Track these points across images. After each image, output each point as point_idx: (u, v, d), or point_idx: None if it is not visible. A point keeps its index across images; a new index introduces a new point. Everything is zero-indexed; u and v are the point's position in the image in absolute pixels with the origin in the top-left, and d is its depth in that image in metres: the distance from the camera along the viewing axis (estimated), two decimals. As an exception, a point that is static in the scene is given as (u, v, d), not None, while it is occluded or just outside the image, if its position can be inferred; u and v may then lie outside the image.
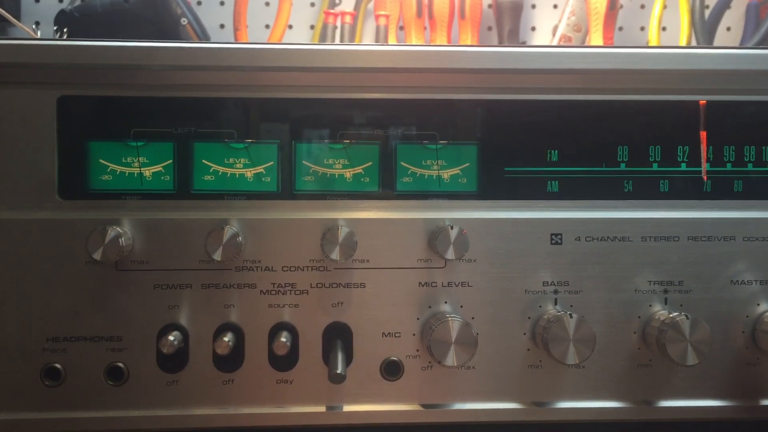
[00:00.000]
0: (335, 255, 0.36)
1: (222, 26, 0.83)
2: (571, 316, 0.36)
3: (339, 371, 0.35)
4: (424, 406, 0.38)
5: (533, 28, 0.85)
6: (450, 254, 0.36)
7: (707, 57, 0.40)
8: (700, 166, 0.40)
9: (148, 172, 0.39)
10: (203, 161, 0.40)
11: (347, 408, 0.38)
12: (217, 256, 0.36)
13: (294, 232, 0.38)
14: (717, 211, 0.39)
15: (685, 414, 0.39)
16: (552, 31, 0.82)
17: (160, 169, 0.39)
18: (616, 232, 0.39)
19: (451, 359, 0.35)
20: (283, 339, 0.36)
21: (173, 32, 0.66)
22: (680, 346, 0.36)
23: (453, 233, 0.37)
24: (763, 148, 0.40)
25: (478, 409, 0.38)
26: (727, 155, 0.40)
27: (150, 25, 0.67)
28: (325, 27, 0.80)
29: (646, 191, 0.40)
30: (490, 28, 0.85)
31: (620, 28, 0.85)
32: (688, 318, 0.36)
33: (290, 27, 0.83)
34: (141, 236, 0.38)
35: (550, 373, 0.38)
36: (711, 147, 0.40)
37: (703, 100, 0.40)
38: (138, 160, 0.39)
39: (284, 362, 0.37)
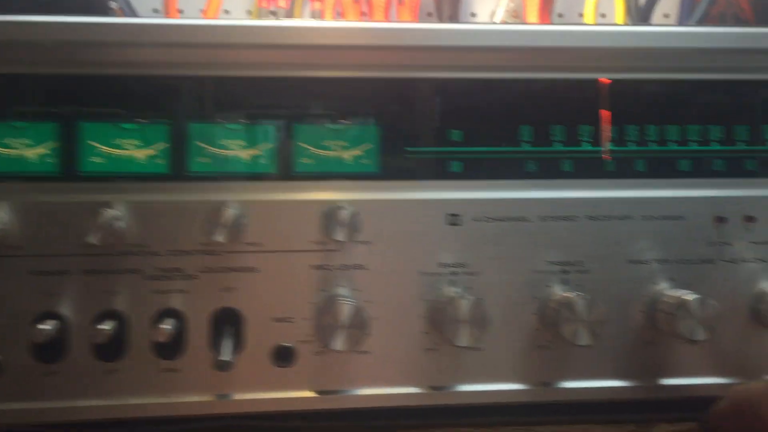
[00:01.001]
0: (221, 237, 0.35)
1: (155, 11, 0.81)
2: (465, 298, 0.36)
3: (224, 358, 0.34)
4: (319, 392, 0.37)
5: (473, 14, 0.85)
6: (340, 236, 0.35)
7: (607, 34, 0.39)
8: (603, 146, 0.40)
9: (30, 153, 0.38)
10: (90, 142, 0.38)
11: (238, 396, 0.37)
12: (96, 240, 0.34)
13: (183, 215, 0.37)
14: (616, 190, 0.39)
15: (585, 395, 0.38)
16: (489, 17, 0.81)
17: (44, 150, 0.37)
18: (514, 212, 0.38)
19: (340, 343, 0.34)
20: (165, 326, 0.34)
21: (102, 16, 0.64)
22: (574, 326, 0.36)
23: (343, 214, 0.36)
24: (666, 126, 0.40)
25: (374, 395, 0.37)
26: (630, 134, 0.40)
27: (77, 9, 0.64)
28: (260, 12, 0.78)
29: (548, 171, 0.39)
30: (430, 14, 0.84)
31: (560, 15, 0.85)
32: (581, 298, 0.36)
33: (226, 12, 0.81)
34: (18, 221, 0.36)
35: (448, 356, 0.38)
36: (614, 126, 0.40)
37: (605, 78, 0.40)
38: (20, 142, 0.37)
39: (170, 350, 0.36)
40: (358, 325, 0.35)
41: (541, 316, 0.38)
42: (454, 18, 0.81)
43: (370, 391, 0.37)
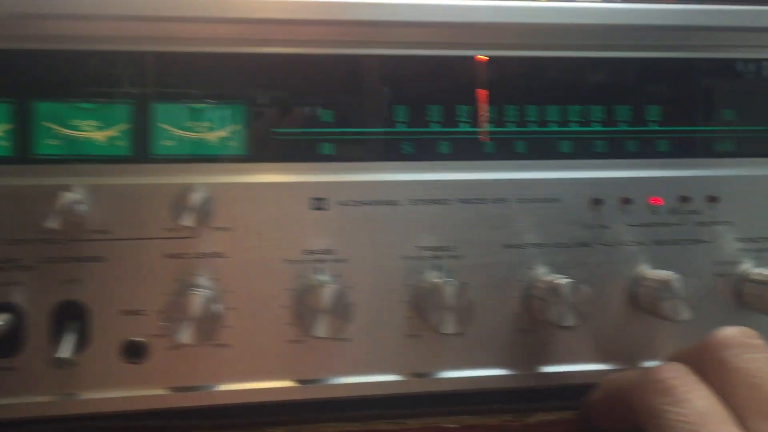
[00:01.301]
0: (54, 224, 0.32)
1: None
2: (326, 286, 0.34)
3: (62, 355, 0.32)
4: (174, 389, 0.35)
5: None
6: (188, 221, 0.33)
7: (484, 9, 0.38)
8: (481, 126, 0.38)
9: None
10: None
11: (85, 395, 0.34)
12: None
13: (22, 201, 0.34)
14: (490, 172, 0.37)
15: (460, 385, 0.37)
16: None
17: None
18: (383, 196, 0.36)
19: (187, 336, 0.32)
20: (-6, 321, 0.32)
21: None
22: (440, 314, 0.34)
23: (193, 198, 0.33)
24: (546, 107, 0.39)
25: (235, 390, 0.35)
26: (509, 115, 0.39)
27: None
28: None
29: (423, 152, 0.38)
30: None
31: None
32: (449, 284, 0.34)
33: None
34: None
35: (315, 348, 0.35)
36: (492, 106, 0.38)
37: (482, 55, 0.38)
38: None
39: (5, 348, 0.33)
40: (210, 317, 0.33)
41: (412, 303, 0.36)
42: None
43: (231, 387, 0.35)
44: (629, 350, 0.38)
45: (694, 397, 0.29)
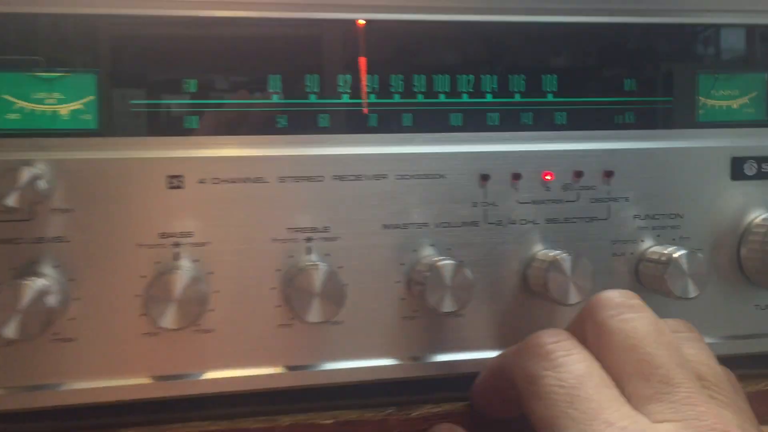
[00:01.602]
0: None
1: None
2: (176, 273, 0.30)
3: None
4: (15, 389, 0.31)
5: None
6: (12, 201, 0.29)
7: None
8: (363, 98, 0.35)
9: None
10: None
11: None
12: None
13: None
14: (370, 146, 0.34)
15: (338, 377, 0.34)
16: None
17: None
18: (249, 173, 0.33)
19: (12, 330, 0.29)
20: None
21: None
22: (307, 301, 0.31)
23: (21, 175, 0.30)
24: (434, 76, 0.36)
25: (83, 389, 0.31)
26: (394, 85, 0.36)
27: None
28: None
29: (299, 126, 0.35)
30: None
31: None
32: (315, 268, 0.31)
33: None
34: None
35: (171, 341, 0.32)
36: (374, 76, 0.35)
37: (364, 20, 0.35)
38: None
39: None
40: (44, 309, 0.29)
41: (282, 290, 0.33)
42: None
43: (80, 385, 0.32)
44: (522, 335, 0.35)
45: (571, 360, 0.28)
